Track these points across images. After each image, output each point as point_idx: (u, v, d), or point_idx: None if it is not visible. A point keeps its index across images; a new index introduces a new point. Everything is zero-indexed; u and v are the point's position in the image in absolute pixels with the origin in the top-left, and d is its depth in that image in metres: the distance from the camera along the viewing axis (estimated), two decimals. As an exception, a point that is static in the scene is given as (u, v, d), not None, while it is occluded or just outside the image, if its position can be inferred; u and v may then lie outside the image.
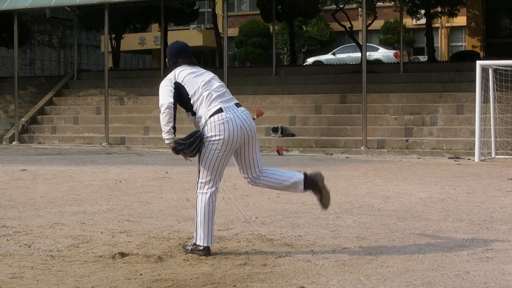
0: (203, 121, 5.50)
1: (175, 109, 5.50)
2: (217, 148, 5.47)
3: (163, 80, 5.64)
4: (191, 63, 5.70)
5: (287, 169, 6.08)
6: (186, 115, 5.67)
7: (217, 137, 5.45)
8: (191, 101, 5.53)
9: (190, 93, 5.53)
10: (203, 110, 5.50)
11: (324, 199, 5.75)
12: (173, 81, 5.56)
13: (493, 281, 4.80)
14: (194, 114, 5.57)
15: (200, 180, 5.60)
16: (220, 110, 5.47)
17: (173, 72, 5.64)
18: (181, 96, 5.52)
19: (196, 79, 5.57)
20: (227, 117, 5.45)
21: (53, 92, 27.45)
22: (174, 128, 5.52)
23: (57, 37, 38.98)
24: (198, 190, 5.62)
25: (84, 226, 7.03)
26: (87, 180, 11.80)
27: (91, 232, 6.70)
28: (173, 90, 5.51)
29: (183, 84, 5.55)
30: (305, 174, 5.71)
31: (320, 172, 5.76)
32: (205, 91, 5.53)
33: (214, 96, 5.52)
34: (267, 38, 38.67)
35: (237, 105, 5.61)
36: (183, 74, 5.59)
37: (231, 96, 5.66)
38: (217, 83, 5.63)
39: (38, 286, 4.74)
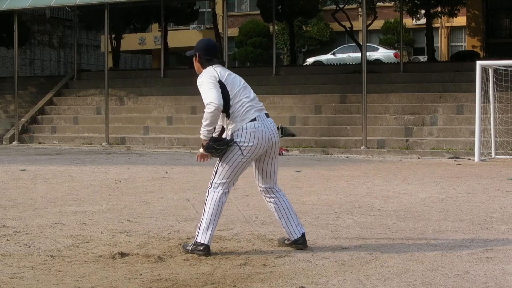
0: (236, 125, 5.56)
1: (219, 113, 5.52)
2: (243, 153, 5.55)
3: (204, 77, 5.56)
4: (223, 63, 5.74)
5: (287, 169, 6.06)
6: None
7: (247, 144, 5.53)
8: (230, 102, 5.55)
9: (231, 94, 5.56)
10: (238, 115, 5.56)
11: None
12: (218, 79, 5.54)
13: (493, 281, 4.80)
14: (228, 115, 5.59)
15: (215, 180, 5.64)
16: (254, 119, 5.57)
17: (212, 70, 5.59)
18: (224, 96, 5.51)
19: (235, 81, 5.63)
20: (259, 127, 5.56)
21: (53, 92, 27.44)
22: (214, 129, 5.62)
23: (57, 37, 38.97)
24: (210, 188, 5.66)
25: (84, 226, 7.03)
26: (87, 180, 11.80)
27: (91, 232, 6.71)
28: (219, 90, 5.48)
29: (225, 84, 5.55)
30: (303, 234, 5.82)
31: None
32: (244, 97, 5.60)
33: (250, 104, 5.61)
34: (267, 38, 38.66)
35: (267, 115, 5.72)
36: (224, 73, 5.60)
37: (261, 104, 5.76)
38: (250, 89, 5.74)
39: (38, 286, 4.74)
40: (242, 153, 5.55)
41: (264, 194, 5.85)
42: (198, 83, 5.57)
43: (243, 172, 5.69)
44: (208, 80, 5.53)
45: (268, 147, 5.63)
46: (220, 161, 5.62)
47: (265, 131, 5.58)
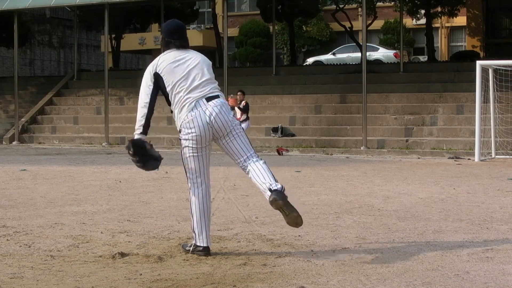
0: (175, 117, 5.54)
1: (150, 108, 5.51)
2: (189, 145, 5.46)
3: (147, 68, 5.60)
4: (181, 46, 5.58)
5: (287, 169, 6.04)
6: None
7: (186, 136, 5.45)
8: (169, 95, 5.51)
9: (167, 86, 5.48)
10: (176, 106, 5.50)
11: (288, 218, 5.58)
12: (153, 73, 5.53)
13: (493, 281, 4.80)
14: (171, 109, 5.60)
15: (189, 181, 5.61)
16: (190, 107, 5.43)
17: (157, 58, 5.60)
18: (159, 88, 5.52)
19: (177, 69, 5.49)
20: (194, 115, 5.41)
21: (53, 92, 27.45)
22: (147, 124, 5.53)
23: (57, 37, 38.97)
24: (189, 189, 5.64)
25: (84, 226, 7.03)
26: (87, 180, 11.80)
27: (91, 232, 6.70)
28: (151, 86, 5.50)
29: (161, 75, 5.49)
30: (275, 190, 5.51)
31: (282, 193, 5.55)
32: (182, 89, 5.46)
33: (188, 95, 5.46)
34: (267, 38, 38.67)
35: (210, 98, 5.46)
36: (165, 63, 5.51)
37: (207, 87, 5.50)
38: (195, 73, 5.49)
39: (38, 286, 4.74)
40: (187, 145, 5.45)
41: (243, 170, 5.65)
42: None
43: (208, 163, 5.57)
44: (145, 75, 5.59)
45: (213, 130, 5.42)
46: (183, 162, 5.58)
47: (201, 116, 5.38)
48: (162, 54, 5.60)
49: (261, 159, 5.58)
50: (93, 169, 13.97)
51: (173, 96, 5.51)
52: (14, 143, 24.78)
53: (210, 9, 36.59)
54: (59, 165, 14.95)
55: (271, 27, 31.63)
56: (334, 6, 31.94)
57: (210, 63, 5.70)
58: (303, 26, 40.32)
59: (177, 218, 7.53)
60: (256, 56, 39.45)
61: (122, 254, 5.60)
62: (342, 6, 31.48)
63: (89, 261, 5.46)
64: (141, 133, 5.56)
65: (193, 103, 5.45)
